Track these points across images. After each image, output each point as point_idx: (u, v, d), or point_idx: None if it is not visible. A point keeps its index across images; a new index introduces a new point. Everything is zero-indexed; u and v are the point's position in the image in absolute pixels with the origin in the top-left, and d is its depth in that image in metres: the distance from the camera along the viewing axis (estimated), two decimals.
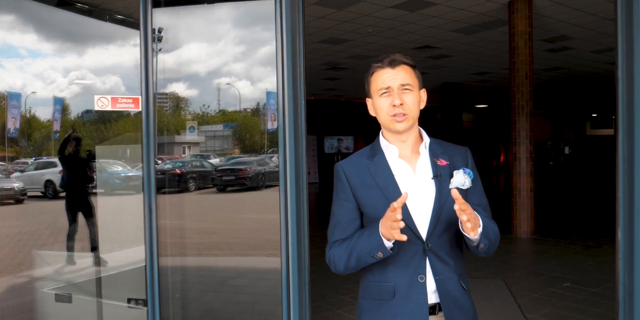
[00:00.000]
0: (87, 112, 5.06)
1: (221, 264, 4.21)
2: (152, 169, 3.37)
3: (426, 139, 1.73)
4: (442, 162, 1.69)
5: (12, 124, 4.71)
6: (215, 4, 3.53)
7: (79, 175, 4.77)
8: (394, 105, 1.64)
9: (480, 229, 1.56)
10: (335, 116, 19.55)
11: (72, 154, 4.78)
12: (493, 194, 10.94)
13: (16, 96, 4.70)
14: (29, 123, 4.92)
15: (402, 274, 1.63)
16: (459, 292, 1.66)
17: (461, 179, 1.61)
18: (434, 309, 1.64)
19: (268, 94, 4.41)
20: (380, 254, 1.57)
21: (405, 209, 1.61)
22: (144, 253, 3.39)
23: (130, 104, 3.50)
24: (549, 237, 7.63)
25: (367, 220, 1.68)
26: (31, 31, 4.78)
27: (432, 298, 1.63)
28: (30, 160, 5.45)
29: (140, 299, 3.78)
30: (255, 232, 4.29)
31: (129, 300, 3.84)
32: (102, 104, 3.47)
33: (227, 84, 4.02)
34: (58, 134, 4.95)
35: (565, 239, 7.54)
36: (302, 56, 3.14)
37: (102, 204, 4.37)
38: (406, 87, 1.65)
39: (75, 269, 4.51)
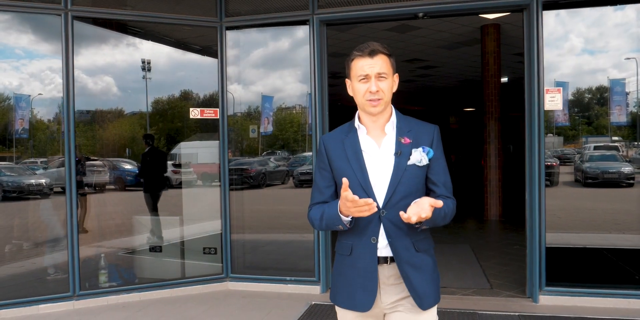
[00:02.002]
0: (82, 112, 5.27)
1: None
2: (226, 164, 5.05)
3: (393, 118, 1.94)
4: (406, 141, 1.88)
5: (20, 125, 4.97)
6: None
7: (157, 167, 5.98)
8: (371, 92, 1.84)
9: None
10: (334, 118, 21.13)
11: (149, 150, 5.90)
12: (479, 187, 12.82)
13: (24, 98, 4.93)
14: (30, 123, 5.08)
15: (359, 236, 1.90)
16: (411, 252, 1.88)
17: (418, 156, 1.84)
18: (386, 260, 1.90)
19: (263, 97, 5.66)
20: (340, 227, 1.86)
21: (366, 181, 1.87)
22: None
23: (212, 114, 5.16)
24: (512, 219, 9.33)
25: (339, 188, 1.91)
26: (28, 32, 4.98)
27: (383, 252, 1.89)
28: (39, 160, 5.52)
29: (212, 248, 5.44)
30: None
31: (203, 249, 5.52)
32: (194, 113, 5.14)
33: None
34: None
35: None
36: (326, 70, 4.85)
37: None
38: (382, 75, 1.85)
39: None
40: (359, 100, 1.89)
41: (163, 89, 5.79)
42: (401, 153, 1.86)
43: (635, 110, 5.06)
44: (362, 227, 1.87)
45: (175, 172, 6.21)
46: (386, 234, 1.86)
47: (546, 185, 5.48)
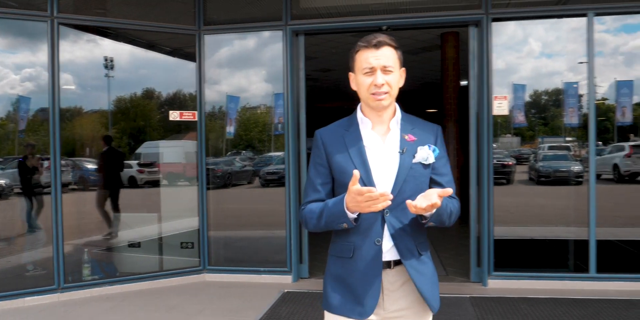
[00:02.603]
0: (42, 110, 5.24)
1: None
2: (204, 164, 5.41)
3: (398, 114, 1.83)
4: (411, 138, 1.80)
5: None
6: None
7: (114, 166, 5.97)
8: (376, 85, 1.72)
9: (431, 212, 1.65)
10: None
11: (107, 150, 5.84)
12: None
13: None
14: None
15: (361, 237, 1.77)
16: (415, 255, 1.79)
17: (425, 154, 1.75)
18: (389, 265, 1.79)
19: (229, 97, 5.85)
20: (345, 225, 1.71)
21: (369, 178, 1.74)
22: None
23: (191, 116, 5.51)
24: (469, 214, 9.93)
25: (337, 185, 1.82)
26: None
27: (387, 257, 1.78)
28: None
29: (189, 242, 5.78)
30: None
31: (181, 244, 5.85)
32: (174, 116, 5.48)
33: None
34: (23, 134, 5.25)
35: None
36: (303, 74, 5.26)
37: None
38: (388, 68, 1.73)
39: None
40: (362, 94, 1.79)
41: (126, 87, 5.88)
42: (406, 150, 1.77)
43: (587, 112, 5.62)
44: (365, 227, 1.76)
45: (140, 172, 6.34)
46: (390, 236, 1.77)
47: (502, 184, 6.06)
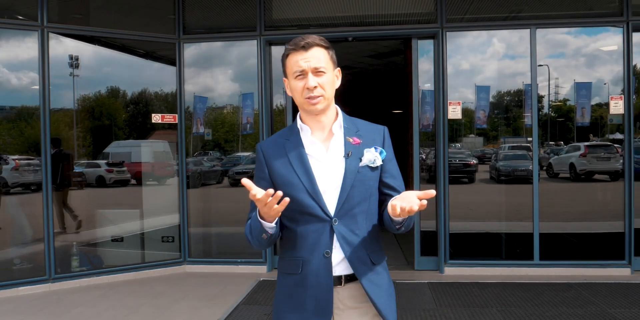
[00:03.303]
0: (1, 109, 5.24)
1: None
2: (184, 164, 5.84)
3: (340, 118, 1.75)
4: (356, 141, 1.70)
5: None
6: None
7: (63, 167, 5.89)
8: (308, 88, 1.64)
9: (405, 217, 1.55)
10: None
11: (55, 152, 5.71)
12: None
13: None
14: None
15: (309, 251, 1.67)
16: (368, 266, 1.69)
17: (372, 156, 1.68)
18: (340, 281, 1.69)
19: (196, 98, 6.29)
20: (264, 236, 1.64)
21: (314, 187, 1.65)
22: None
23: (172, 119, 5.93)
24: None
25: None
26: None
27: (337, 271, 1.68)
28: None
29: (170, 236, 6.20)
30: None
31: (162, 238, 6.26)
32: (156, 118, 5.90)
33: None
34: None
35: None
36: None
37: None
38: (320, 69, 1.65)
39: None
40: (297, 99, 1.71)
41: (90, 86, 6.00)
42: (351, 154, 1.69)
43: (547, 113, 6.14)
44: (313, 240, 1.67)
45: (109, 171, 6.48)
46: (340, 247, 1.67)
47: (465, 182, 6.64)
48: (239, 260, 6.05)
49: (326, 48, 1.70)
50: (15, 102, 5.75)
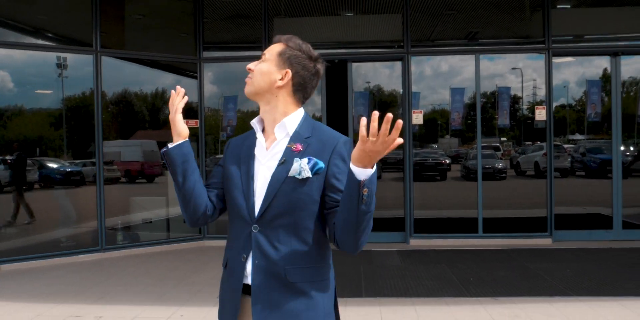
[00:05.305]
0: None
1: None
2: (204, 162, 7.38)
3: (287, 120, 1.65)
4: (297, 148, 1.60)
5: None
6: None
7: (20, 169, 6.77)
8: (248, 68, 1.68)
9: (373, 169, 1.38)
10: None
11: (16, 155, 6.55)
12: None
13: None
14: None
15: (235, 249, 1.65)
16: (277, 282, 1.56)
17: (297, 167, 1.55)
18: (249, 290, 1.60)
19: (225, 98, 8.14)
20: (176, 184, 1.68)
21: (248, 188, 1.62)
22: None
23: (194, 124, 7.45)
24: None
25: (225, 192, 1.72)
26: None
27: (249, 279, 1.60)
28: None
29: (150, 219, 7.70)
30: None
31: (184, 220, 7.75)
32: None
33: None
34: None
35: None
36: None
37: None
38: (263, 56, 1.68)
39: None
40: None
41: (78, 86, 6.67)
42: (285, 161, 1.59)
43: (519, 115, 7.64)
44: (238, 241, 1.64)
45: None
46: (254, 254, 1.58)
47: (437, 180, 8.15)
48: None
49: (287, 45, 1.67)
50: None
